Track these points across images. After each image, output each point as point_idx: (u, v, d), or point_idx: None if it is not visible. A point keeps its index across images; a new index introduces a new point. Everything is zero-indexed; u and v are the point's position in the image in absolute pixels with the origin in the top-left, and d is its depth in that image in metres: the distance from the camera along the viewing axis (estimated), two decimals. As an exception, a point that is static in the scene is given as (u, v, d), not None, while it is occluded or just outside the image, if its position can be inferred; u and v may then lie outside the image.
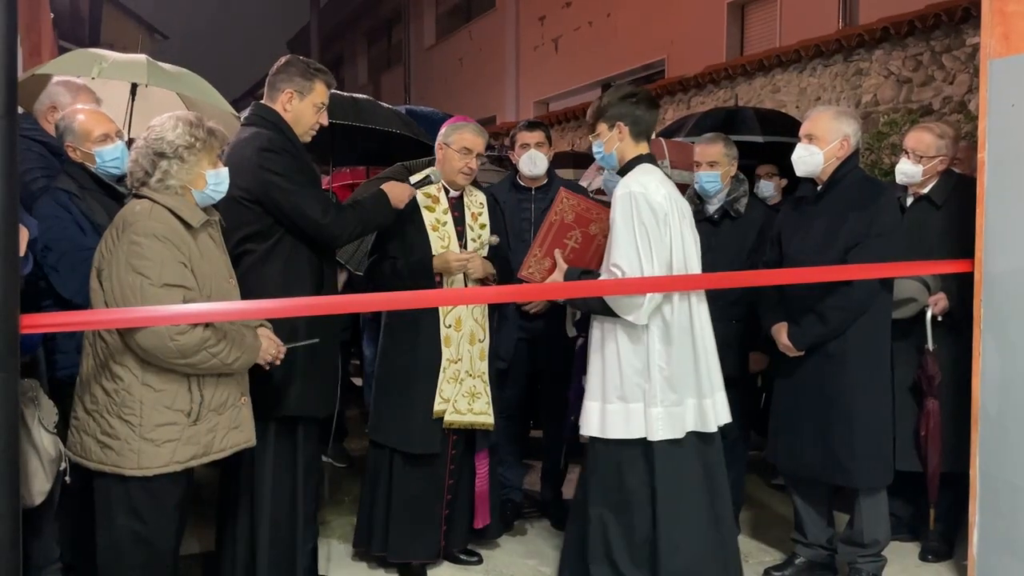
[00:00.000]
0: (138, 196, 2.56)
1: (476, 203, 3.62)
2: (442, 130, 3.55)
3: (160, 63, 4.62)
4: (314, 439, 3.23)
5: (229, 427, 2.63)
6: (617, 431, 2.95)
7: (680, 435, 2.92)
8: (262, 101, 3.17)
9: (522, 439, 4.45)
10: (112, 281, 2.44)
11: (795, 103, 7.57)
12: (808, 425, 3.35)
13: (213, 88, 4.71)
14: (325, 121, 3.19)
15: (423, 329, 3.39)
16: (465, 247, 3.48)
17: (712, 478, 3.03)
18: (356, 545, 3.63)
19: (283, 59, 3.19)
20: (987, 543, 3.16)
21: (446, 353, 3.38)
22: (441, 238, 3.44)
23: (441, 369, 3.37)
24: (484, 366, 3.47)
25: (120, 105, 4.40)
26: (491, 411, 3.46)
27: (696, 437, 2.98)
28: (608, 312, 2.93)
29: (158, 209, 2.51)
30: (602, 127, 3.08)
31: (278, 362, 2.76)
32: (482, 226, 3.58)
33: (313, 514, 3.26)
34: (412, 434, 3.38)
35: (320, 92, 3.13)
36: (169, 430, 2.48)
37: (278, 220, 2.98)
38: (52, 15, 10.55)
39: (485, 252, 3.55)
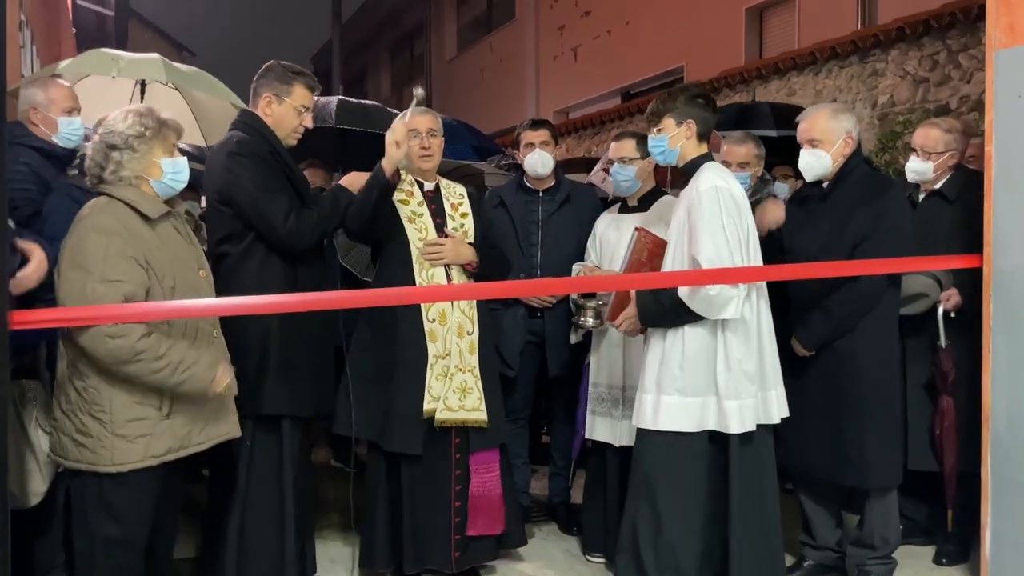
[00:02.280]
0: (100, 193, 2.57)
1: (455, 194, 3.52)
2: None
3: (174, 63, 4.74)
4: (299, 439, 3.19)
5: (208, 419, 2.62)
6: (671, 423, 2.92)
7: (752, 427, 2.93)
8: (247, 107, 3.19)
9: (531, 442, 4.42)
10: (59, 276, 2.46)
11: (811, 105, 7.50)
12: (817, 425, 3.29)
13: (227, 88, 4.79)
14: (309, 124, 3.19)
15: (405, 324, 3.26)
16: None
17: (765, 475, 3.02)
18: (362, 565, 3.45)
19: (265, 65, 3.19)
20: (1000, 544, 3.09)
21: (432, 349, 3.24)
22: (419, 229, 3.34)
23: (428, 366, 3.23)
24: (475, 360, 3.31)
25: (125, 104, 4.51)
26: (484, 407, 3.28)
27: (762, 430, 2.99)
28: (693, 318, 2.89)
29: (114, 203, 2.52)
30: (668, 122, 3.07)
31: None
32: (463, 215, 3.46)
33: (302, 515, 3.20)
34: (390, 429, 3.23)
35: (300, 95, 3.14)
36: (141, 425, 2.48)
37: (245, 223, 3.00)
38: (74, 30, 10.75)
39: (471, 239, 3.43)
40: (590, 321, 3.46)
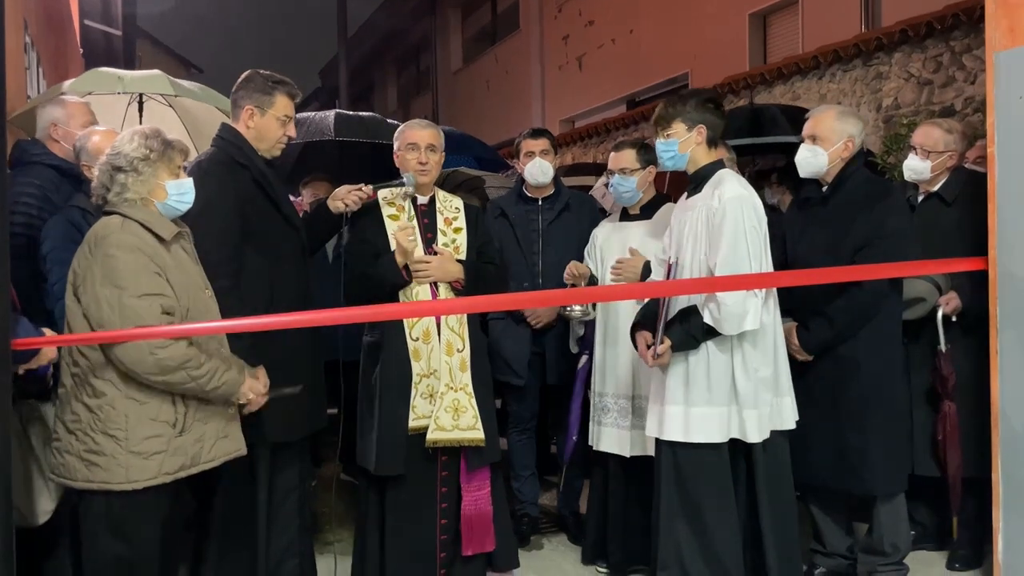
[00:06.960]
0: (108, 213, 2.57)
1: (451, 208, 3.43)
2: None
3: (178, 80, 4.81)
4: (292, 463, 3.15)
5: (217, 436, 2.63)
6: (703, 435, 2.90)
7: (767, 435, 2.93)
8: (228, 121, 3.13)
9: (539, 454, 4.40)
10: (88, 295, 2.45)
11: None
12: (821, 432, 3.29)
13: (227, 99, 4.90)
14: (293, 133, 3.13)
15: (389, 344, 3.20)
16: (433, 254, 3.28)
17: (784, 480, 3.06)
18: None
19: (244, 75, 3.12)
20: (1013, 548, 3.05)
21: (416, 367, 3.17)
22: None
23: (413, 384, 3.17)
24: (467, 378, 3.21)
25: (117, 121, 4.58)
26: (480, 426, 3.18)
27: (778, 436, 3.02)
28: (713, 334, 2.87)
29: (129, 223, 2.52)
30: (679, 127, 3.02)
31: (254, 407, 2.73)
32: (456, 231, 3.37)
33: (294, 538, 3.18)
34: (372, 451, 3.16)
35: (282, 104, 3.07)
36: (155, 442, 2.48)
37: None
38: (82, 50, 10.83)
39: (463, 255, 3.34)
40: (577, 310, 3.49)
